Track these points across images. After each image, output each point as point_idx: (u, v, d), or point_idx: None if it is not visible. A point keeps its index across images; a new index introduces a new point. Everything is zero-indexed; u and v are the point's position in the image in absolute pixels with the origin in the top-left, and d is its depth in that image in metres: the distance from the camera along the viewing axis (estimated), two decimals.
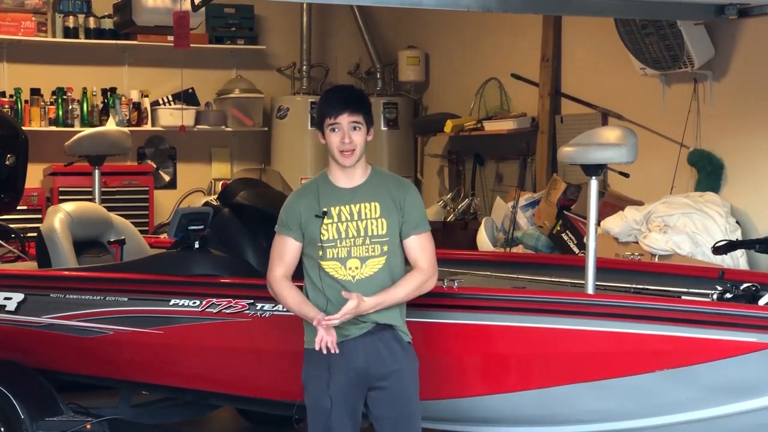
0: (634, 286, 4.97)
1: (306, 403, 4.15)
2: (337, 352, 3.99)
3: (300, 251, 4.15)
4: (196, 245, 5.17)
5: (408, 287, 4.08)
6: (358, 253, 4.05)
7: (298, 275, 4.22)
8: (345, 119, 4.05)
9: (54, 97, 9.15)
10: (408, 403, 4.12)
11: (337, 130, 4.06)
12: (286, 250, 4.15)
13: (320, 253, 4.05)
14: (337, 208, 4.07)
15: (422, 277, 4.10)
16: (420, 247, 4.13)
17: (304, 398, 4.15)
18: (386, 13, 10.20)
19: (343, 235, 4.05)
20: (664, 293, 4.86)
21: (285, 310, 4.75)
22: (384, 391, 4.09)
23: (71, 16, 9.23)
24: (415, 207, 4.15)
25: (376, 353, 4.06)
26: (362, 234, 4.05)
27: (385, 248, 4.07)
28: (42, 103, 9.10)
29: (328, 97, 4.18)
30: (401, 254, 4.15)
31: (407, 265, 4.21)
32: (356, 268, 4.05)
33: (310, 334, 4.10)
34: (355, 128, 4.06)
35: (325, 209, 4.06)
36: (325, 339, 3.97)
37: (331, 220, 4.06)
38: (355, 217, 4.07)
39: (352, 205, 4.08)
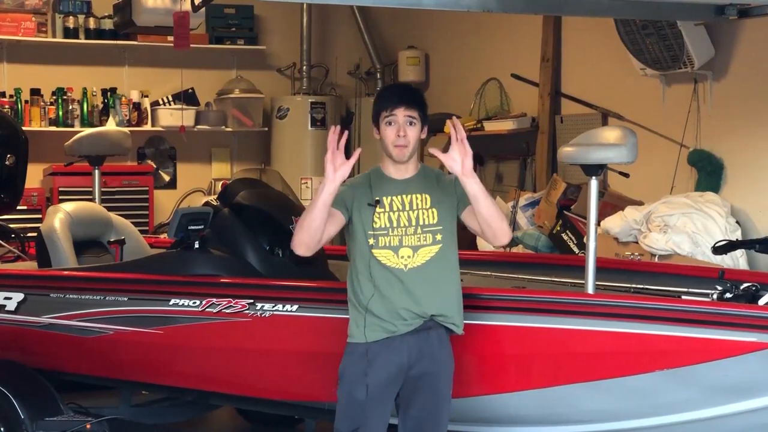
0: (634, 286, 4.97)
1: (338, 394, 4.14)
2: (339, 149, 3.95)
3: (337, 227, 4.10)
4: (196, 245, 5.17)
5: (496, 205, 4.08)
6: (409, 242, 4.08)
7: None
8: (401, 113, 4.08)
9: (54, 97, 9.15)
10: (438, 406, 4.15)
11: (392, 123, 4.09)
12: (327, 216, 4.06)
13: (371, 241, 4.07)
14: (389, 198, 4.11)
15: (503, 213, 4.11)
16: None
17: (337, 390, 4.14)
18: (386, 13, 10.20)
19: (395, 224, 4.08)
20: (664, 293, 4.86)
21: (285, 310, 4.78)
22: (417, 391, 4.12)
23: (71, 17, 9.23)
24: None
25: (418, 351, 4.08)
26: (413, 223, 4.09)
27: (438, 237, 4.10)
28: (42, 103, 9.11)
29: (386, 92, 4.28)
30: (455, 245, 4.18)
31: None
32: (408, 257, 4.07)
33: (353, 327, 4.11)
34: (410, 123, 4.09)
35: (377, 198, 4.10)
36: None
37: (383, 209, 4.10)
38: (407, 207, 4.11)
39: (404, 196, 4.12)
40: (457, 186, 4.13)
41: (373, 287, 4.06)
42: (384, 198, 4.11)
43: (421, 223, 4.10)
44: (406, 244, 4.08)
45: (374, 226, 4.08)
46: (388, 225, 4.09)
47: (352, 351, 4.11)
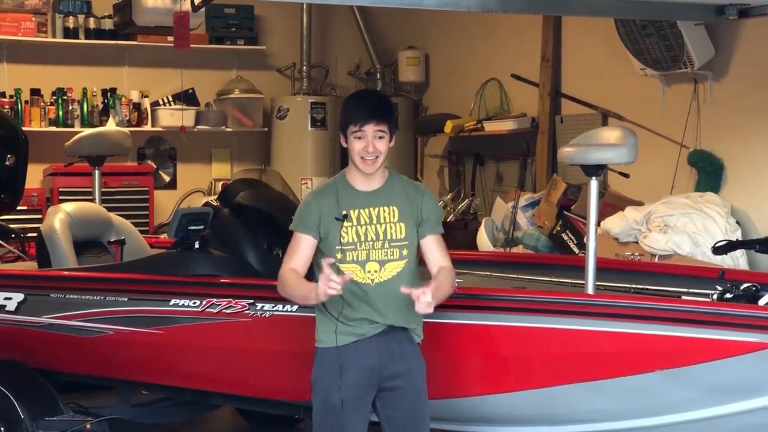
0: (634, 286, 4.97)
1: (314, 402, 4.12)
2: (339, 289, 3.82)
3: (314, 249, 4.07)
4: (196, 245, 5.17)
5: (451, 282, 4.03)
6: (377, 256, 4.02)
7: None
8: (370, 128, 4.00)
9: (54, 97, 9.15)
10: (418, 404, 4.13)
11: (361, 138, 4.01)
12: (301, 247, 4.05)
13: (339, 256, 3.99)
14: (357, 211, 4.04)
15: (454, 275, 4.08)
16: (441, 246, 4.13)
17: (312, 398, 4.12)
18: (386, 13, 10.20)
19: (363, 238, 4.02)
20: (664, 293, 4.86)
21: (285, 309, 4.78)
22: (395, 391, 4.09)
23: (71, 17, 9.23)
24: (433, 209, 4.15)
25: (388, 352, 4.05)
26: (381, 237, 4.04)
27: (405, 252, 4.05)
28: (42, 104, 9.11)
29: (354, 103, 4.10)
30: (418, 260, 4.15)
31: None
32: (375, 271, 4.02)
33: (321, 333, 4.09)
34: (379, 137, 4.02)
35: (345, 212, 4.02)
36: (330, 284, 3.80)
37: (350, 224, 4.02)
38: (374, 221, 4.04)
39: (371, 209, 4.05)
40: (422, 208, 4.09)
41: (341, 299, 3.99)
42: (351, 211, 4.03)
43: (388, 237, 4.04)
44: (373, 258, 4.02)
45: (342, 240, 4.01)
46: (356, 239, 4.02)
47: (322, 357, 4.08)
